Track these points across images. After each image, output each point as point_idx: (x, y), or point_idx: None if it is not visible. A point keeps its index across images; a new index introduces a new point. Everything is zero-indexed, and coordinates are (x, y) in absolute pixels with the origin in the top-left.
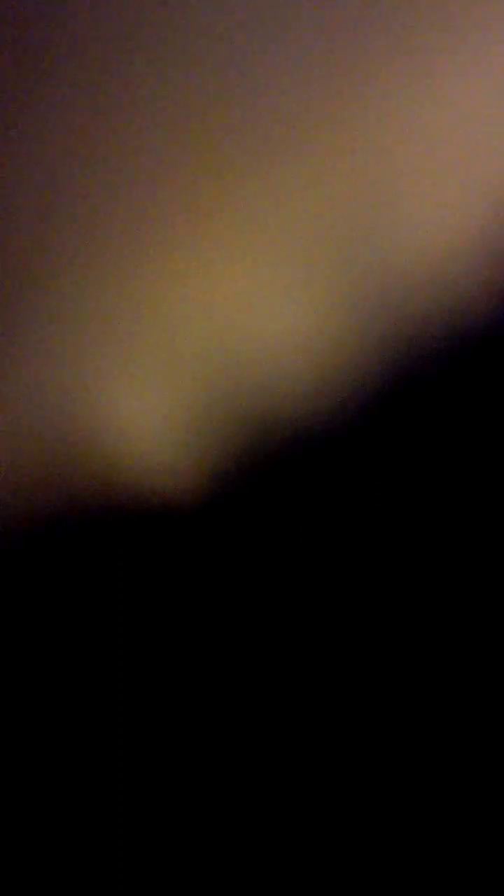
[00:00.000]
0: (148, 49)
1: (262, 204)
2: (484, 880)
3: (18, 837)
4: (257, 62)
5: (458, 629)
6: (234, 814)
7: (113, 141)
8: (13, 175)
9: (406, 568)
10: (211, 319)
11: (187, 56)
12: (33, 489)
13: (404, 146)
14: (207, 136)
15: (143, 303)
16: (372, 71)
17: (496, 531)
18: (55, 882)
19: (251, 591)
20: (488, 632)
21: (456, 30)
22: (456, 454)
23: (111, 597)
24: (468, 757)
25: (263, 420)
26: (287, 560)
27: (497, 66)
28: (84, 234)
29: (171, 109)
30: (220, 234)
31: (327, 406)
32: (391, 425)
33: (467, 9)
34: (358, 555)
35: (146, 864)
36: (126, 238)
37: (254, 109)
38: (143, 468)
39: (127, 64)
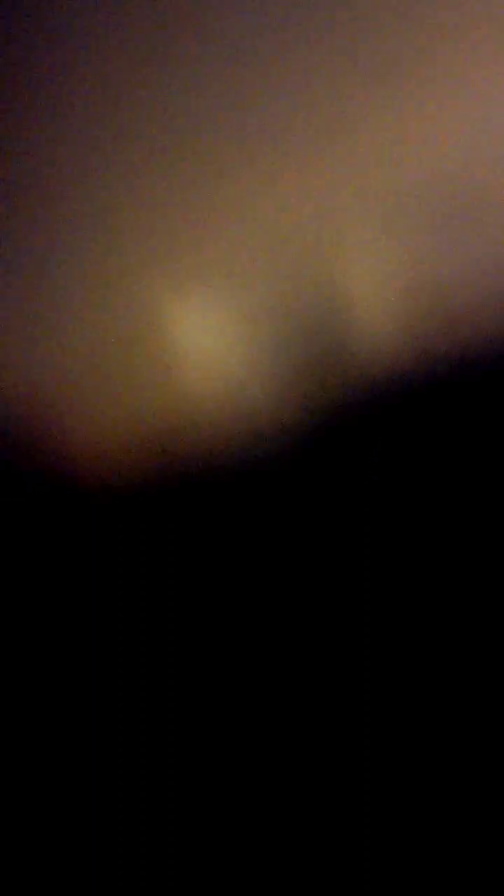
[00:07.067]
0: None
1: (359, 145)
2: (484, 880)
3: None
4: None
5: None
6: (236, 782)
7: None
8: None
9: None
10: (292, 252)
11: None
12: (89, 410)
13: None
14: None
15: (223, 221)
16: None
17: None
18: (55, 879)
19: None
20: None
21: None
22: None
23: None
24: (468, 752)
25: (339, 365)
26: (358, 504)
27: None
28: (153, 146)
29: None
30: (315, 167)
31: (407, 358)
32: (469, 386)
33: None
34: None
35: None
36: (203, 152)
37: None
38: (201, 397)
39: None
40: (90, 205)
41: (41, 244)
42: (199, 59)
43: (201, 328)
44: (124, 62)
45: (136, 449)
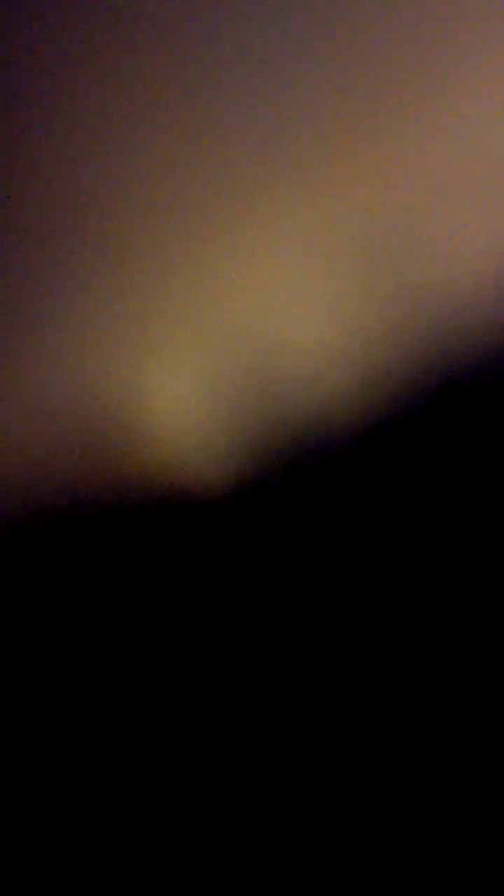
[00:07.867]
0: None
1: (298, 211)
2: (484, 880)
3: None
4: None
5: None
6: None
7: (173, 128)
8: (52, 158)
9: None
10: (245, 315)
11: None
12: (65, 471)
13: (436, 158)
14: (252, 138)
15: (180, 293)
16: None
17: None
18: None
19: (274, 578)
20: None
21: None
22: (474, 465)
23: (136, 579)
24: (467, 756)
25: (288, 416)
26: (309, 551)
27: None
28: (123, 221)
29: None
30: (261, 233)
31: (352, 409)
32: (409, 431)
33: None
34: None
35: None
36: (165, 226)
37: (288, 120)
38: (172, 453)
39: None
40: (83, 291)
41: (39, 323)
42: (168, 159)
43: (172, 389)
44: (106, 143)
45: (117, 486)
